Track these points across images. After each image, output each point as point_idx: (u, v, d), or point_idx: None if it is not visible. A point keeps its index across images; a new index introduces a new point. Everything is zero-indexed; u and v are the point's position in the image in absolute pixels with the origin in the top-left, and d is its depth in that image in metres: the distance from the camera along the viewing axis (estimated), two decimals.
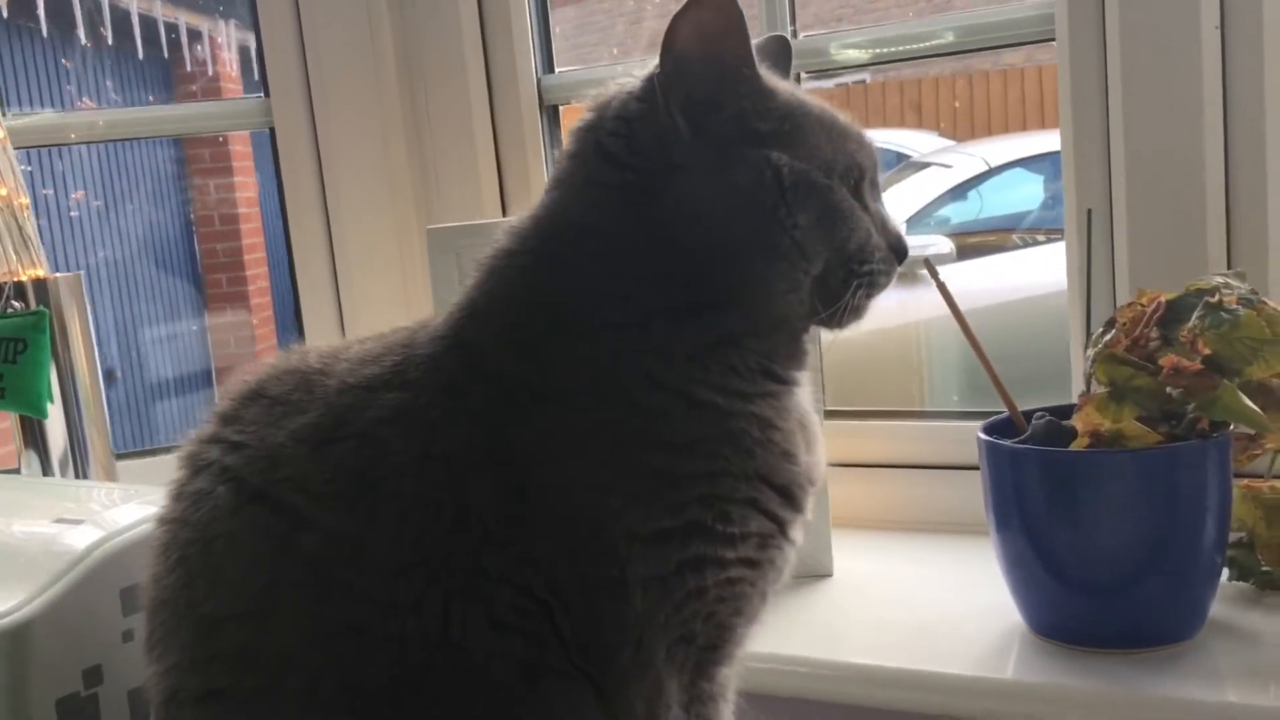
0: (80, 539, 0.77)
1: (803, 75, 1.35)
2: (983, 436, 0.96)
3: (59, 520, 0.79)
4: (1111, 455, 0.90)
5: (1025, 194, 4.15)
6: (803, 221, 0.71)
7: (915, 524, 1.25)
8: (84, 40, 4.80)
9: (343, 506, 0.68)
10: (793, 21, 1.31)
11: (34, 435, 1.21)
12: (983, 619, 1.02)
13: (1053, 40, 1.15)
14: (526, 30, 1.43)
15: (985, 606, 1.03)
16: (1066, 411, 0.97)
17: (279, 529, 0.68)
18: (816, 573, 1.15)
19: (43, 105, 4.50)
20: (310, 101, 1.44)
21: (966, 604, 1.05)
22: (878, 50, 1.30)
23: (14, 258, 1.18)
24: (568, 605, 0.68)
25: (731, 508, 0.70)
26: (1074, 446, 0.92)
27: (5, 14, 4.60)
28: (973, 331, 0.99)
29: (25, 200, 1.16)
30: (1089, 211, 1.03)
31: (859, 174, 0.74)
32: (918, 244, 3.32)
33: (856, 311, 0.75)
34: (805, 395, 0.78)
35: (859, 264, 0.72)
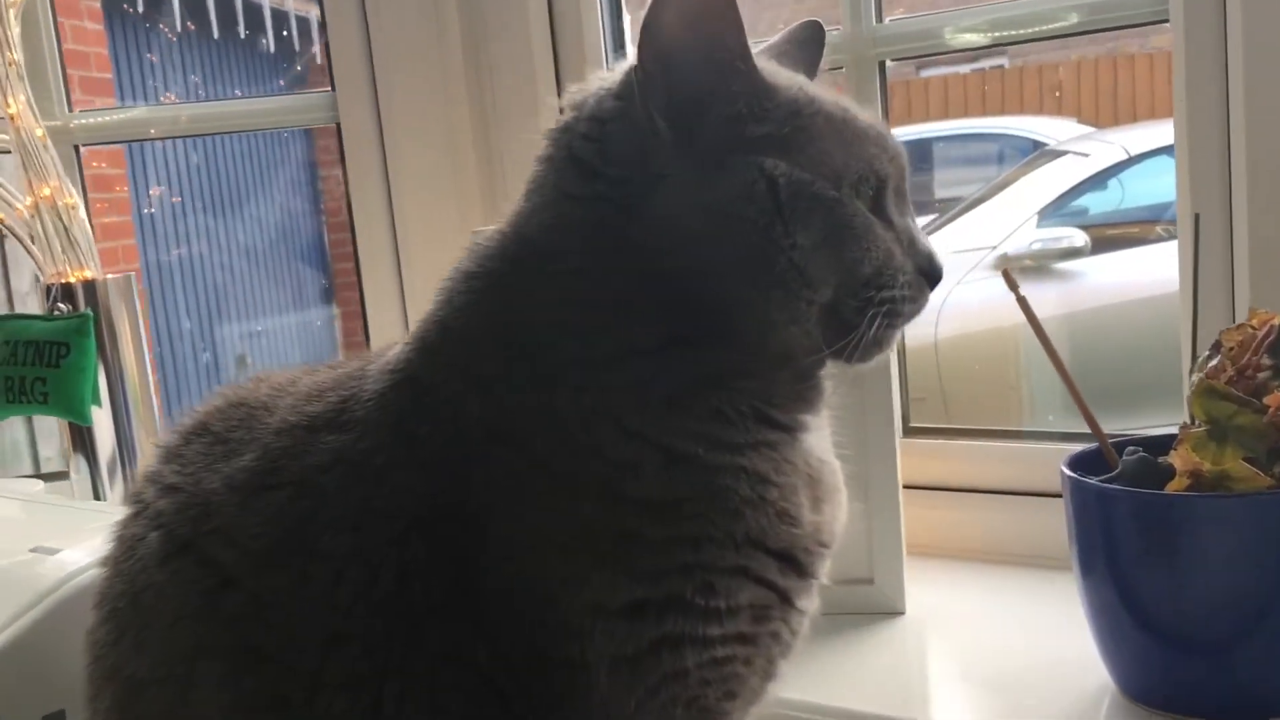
0: (52, 571, 0.73)
1: (888, 63, 1.24)
2: (1067, 472, 0.85)
3: (36, 549, 0.75)
4: (1214, 500, 0.78)
5: (1170, 183, 3.91)
6: (803, 241, 0.61)
7: (999, 555, 1.14)
8: (215, 34, 4.92)
9: (271, 565, 0.61)
10: (879, 5, 1.21)
11: (82, 439, 1.19)
12: (1068, 674, 0.91)
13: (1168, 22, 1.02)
14: (597, 22, 1.35)
15: (1072, 658, 0.92)
16: (1165, 443, 0.85)
17: (205, 586, 0.62)
18: (887, 610, 1.05)
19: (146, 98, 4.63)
20: (376, 97, 1.39)
21: (1051, 654, 0.94)
22: (997, 33, 1.19)
23: (61, 259, 1.16)
24: (522, 689, 0.59)
25: (717, 578, 0.60)
26: (1172, 487, 0.81)
27: (141, 7, 4.74)
28: (1056, 352, 0.88)
29: (72, 200, 1.14)
30: (1197, 216, 0.91)
31: (878, 183, 0.64)
32: (1050, 236, 3.14)
33: (878, 344, 0.64)
34: (819, 441, 0.68)
35: (876, 290, 0.62)
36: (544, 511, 0.60)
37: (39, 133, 1.12)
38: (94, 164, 4.06)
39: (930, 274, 0.65)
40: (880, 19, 1.21)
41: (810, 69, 0.71)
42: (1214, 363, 0.80)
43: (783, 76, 0.65)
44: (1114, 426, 0.90)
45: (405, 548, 0.60)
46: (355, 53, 1.39)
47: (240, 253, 5.12)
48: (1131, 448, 0.85)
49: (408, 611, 0.59)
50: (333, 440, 0.62)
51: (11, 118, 1.11)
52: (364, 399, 0.64)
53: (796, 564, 0.63)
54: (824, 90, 0.67)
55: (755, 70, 0.63)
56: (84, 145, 1.41)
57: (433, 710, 0.59)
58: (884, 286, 0.63)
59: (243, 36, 5.16)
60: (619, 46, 1.38)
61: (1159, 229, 3.49)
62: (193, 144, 4.74)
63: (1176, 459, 0.80)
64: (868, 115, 0.67)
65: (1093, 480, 0.84)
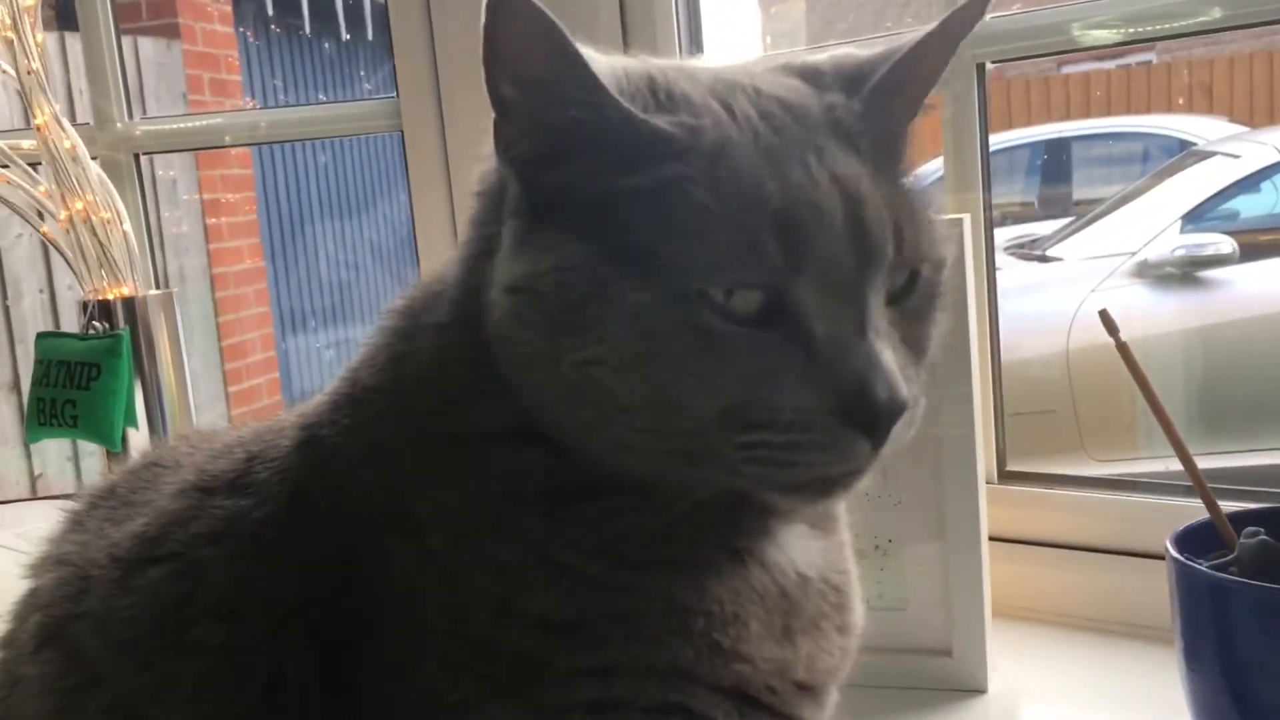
0: None
1: (987, 65, 1.11)
2: (1174, 554, 0.72)
3: None
4: None
5: None
6: (596, 355, 0.47)
7: (1101, 624, 1.00)
8: (343, 34, 4.97)
9: (137, 661, 0.53)
10: None
11: (119, 462, 1.14)
12: None
13: None
14: (671, 26, 1.25)
15: None
16: None
17: (68, 685, 0.54)
18: (967, 687, 0.92)
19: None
20: (440, 105, 1.32)
21: None
22: (1132, 29, 1.06)
23: (99, 275, 1.11)
24: None
25: (639, 718, 0.50)
26: None
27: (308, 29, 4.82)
28: (1165, 412, 0.75)
29: (108, 215, 1.09)
30: None
31: (773, 280, 0.47)
32: (1195, 242, 2.95)
33: (797, 492, 0.49)
34: (811, 557, 0.56)
35: (737, 430, 0.47)
36: (436, 620, 0.51)
37: (67, 144, 1.07)
38: (223, 166, 4.15)
39: (857, 415, 0.46)
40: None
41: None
42: None
43: (691, 103, 0.50)
44: (1251, 445, 0.77)
45: (280, 643, 0.52)
46: (420, 59, 1.32)
47: (366, 250, 5.19)
48: (1252, 528, 0.72)
49: None
50: (227, 506, 0.55)
51: (39, 128, 1.07)
52: (269, 458, 0.56)
53: (758, 704, 0.52)
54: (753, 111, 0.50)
55: (606, 105, 0.48)
56: (146, 154, 1.37)
57: None
58: (753, 426, 0.47)
59: (370, 39, 5.23)
60: (697, 53, 1.28)
61: None
62: (321, 145, 4.83)
63: None
64: (843, 167, 0.48)
65: (1203, 565, 0.71)
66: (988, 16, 1.09)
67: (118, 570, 0.55)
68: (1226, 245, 3.27)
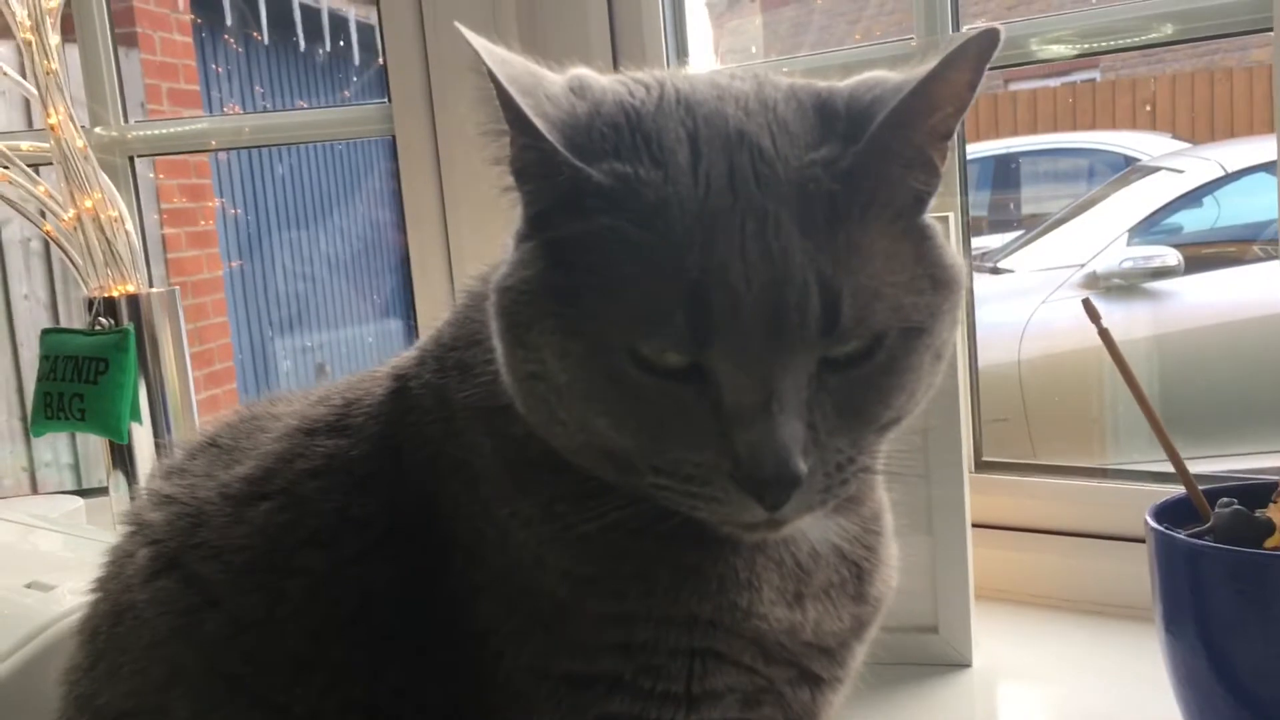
0: (41, 611, 0.69)
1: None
2: (1152, 524, 0.78)
3: (32, 585, 0.71)
4: None
5: (1269, 202, 3.78)
6: (538, 371, 0.51)
7: (1077, 603, 1.05)
8: (301, 46, 4.97)
9: (251, 583, 0.58)
10: (955, 14, 1.14)
11: (122, 456, 1.16)
12: None
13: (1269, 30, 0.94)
14: (659, 33, 1.29)
15: None
16: (1262, 492, 0.77)
17: (185, 606, 0.59)
18: (952, 661, 0.97)
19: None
20: (432, 109, 1.35)
21: (1132, 717, 0.86)
22: (1086, 44, 1.12)
23: (104, 272, 1.13)
24: None
25: (663, 661, 0.54)
26: (1271, 544, 0.73)
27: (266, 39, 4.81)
28: (1143, 391, 0.80)
29: (115, 213, 1.11)
30: None
31: (684, 341, 0.48)
32: (1141, 255, 3.02)
33: (721, 528, 0.52)
34: (823, 532, 0.59)
35: (649, 472, 0.50)
36: (493, 559, 0.56)
37: (79, 143, 1.09)
38: (183, 176, 4.13)
39: (745, 484, 0.48)
40: (958, 27, 1.14)
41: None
42: None
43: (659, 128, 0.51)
44: (1203, 453, 0.82)
45: (371, 567, 0.57)
46: (412, 64, 1.35)
47: (322, 262, 5.17)
48: (1225, 498, 0.77)
49: (369, 640, 0.56)
50: (328, 445, 0.60)
51: (52, 128, 1.09)
52: (365, 404, 0.61)
53: (774, 657, 0.57)
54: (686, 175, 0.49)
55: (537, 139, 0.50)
56: (139, 157, 1.39)
57: None
58: (659, 471, 0.50)
59: (328, 49, 5.23)
60: (682, 59, 1.33)
61: (1256, 248, 3.36)
62: (277, 154, 4.82)
63: (1276, 512, 0.72)
64: (783, 241, 0.48)
65: (1181, 534, 0.76)
66: (964, 29, 1.15)
67: (229, 506, 0.60)
68: (1172, 258, 3.35)
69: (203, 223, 4.24)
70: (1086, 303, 0.80)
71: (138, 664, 0.59)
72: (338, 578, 0.57)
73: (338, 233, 5.30)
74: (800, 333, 0.48)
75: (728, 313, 0.47)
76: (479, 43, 0.51)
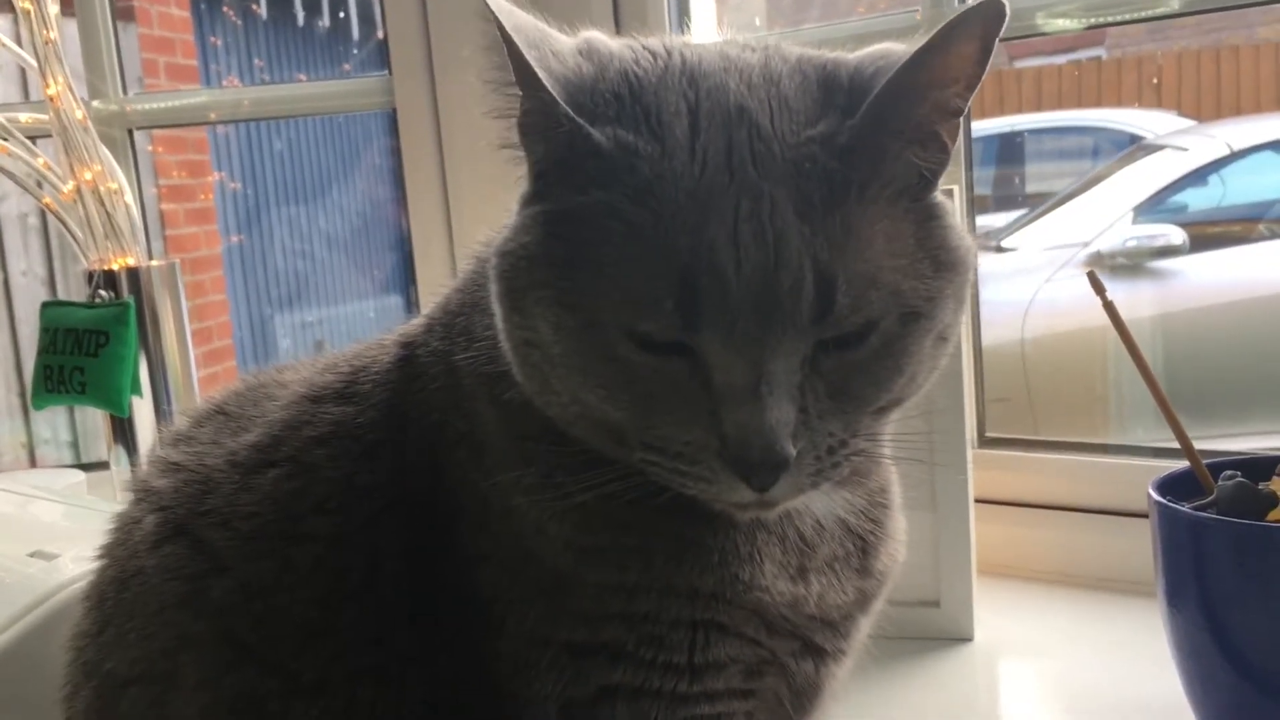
0: (44, 580, 0.69)
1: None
2: (1155, 497, 0.77)
3: (35, 554, 0.71)
4: None
5: (1275, 180, 3.78)
6: (533, 339, 0.51)
7: (1079, 579, 1.05)
8: (300, 20, 4.95)
9: (259, 549, 0.58)
10: None
11: (122, 429, 1.16)
12: (1151, 715, 0.83)
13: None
14: (663, 13, 1.28)
15: (1155, 697, 0.84)
16: (1266, 465, 0.77)
17: (193, 572, 0.59)
18: (954, 635, 0.97)
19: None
20: (433, 81, 1.35)
21: (1132, 692, 0.87)
22: (1093, 19, 1.11)
23: (104, 245, 1.13)
24: (480, 711, 0.56)
25: (665, 631, 0.54)
26: (1273, 516, 0.73)
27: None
28: (1147, 363, 0.80)
29: (115, 185, 1.10)
30: None
31: (673, 323, 0.48)
32: (1145, 233, 3.01)
33: (711, 506, 0.52)
34: (829, 507, 0.59)
35: (638, 447, 0.51)
36: (497, 526, 0.56)
37: (79, 115, 1.09)
38: (180, 151, 4.11)
39: (732, 465, 0.48)
40: None
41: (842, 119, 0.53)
42: None
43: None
44: (1208, 433, 0.82)
45: (379, 533, 0.57)
46: (413, 36, 1.34)
47: (321, 238, 5.16)
48: (1229, 471, 0.77)
49: (376, 607, 0.57)
50: (335, 412, 0.60)
51: (52, 99, 1.08)
52: (373, 371, 0.62)
53: (777, 629, 0.57)
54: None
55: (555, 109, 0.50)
56: (138, 129, 1.38)
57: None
58: (649, 447, 0.50)
59: (327, 23, 5.20)
60: (686, 31, 1.32)
61: (1262, 227, 3.35)
62: (276, 130, 4.80)
63: (1279, 485, 0.72)
64: (778, 222, 0.47)
65: (1184, 507, 0.75)
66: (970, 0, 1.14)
67: (238, 474, 0.60)
68: (1177, 236, 3.33)
69: (201, 198, 4.23)
70: (1091, 275, 0.80)
71: (145, 629, 0.59)
72: (345, 545, 0.57)
73: (337, 209, 5.29)
74: (793, 318, 0.48)
75: (718, 297, 0.47)
76: None
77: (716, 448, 0.48)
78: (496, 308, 0.53)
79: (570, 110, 0.49)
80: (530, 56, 0.49)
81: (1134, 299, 3.22)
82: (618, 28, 1.29)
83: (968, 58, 0.50)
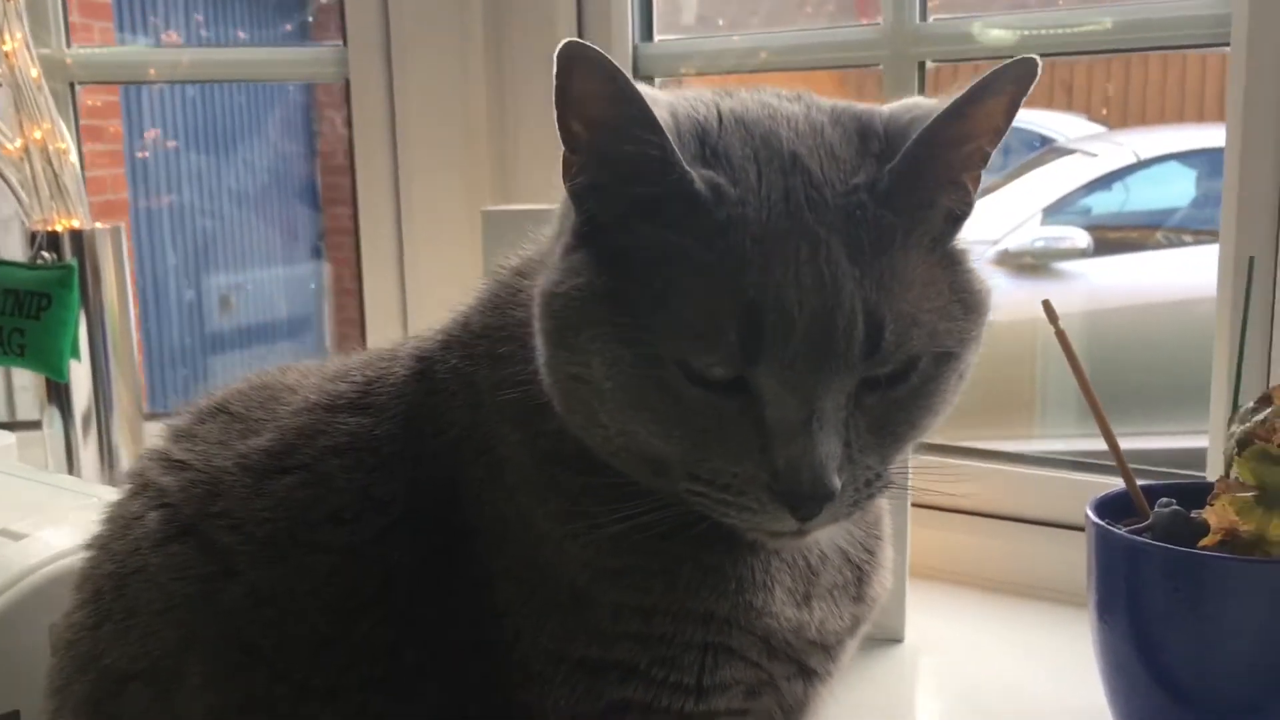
0: (14, 560, 0.68)
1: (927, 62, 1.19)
2: (1093, 518, 0.81)
3: (2, 532, 0.70)
4: (1252, 565, 0.74)
5: (1176, 190, 3.90)
6: (582, 374, 0.52)
7: (1008, 586, 1.10)
8: None
9: (272, 556, 0.58)
10: (924, 4, 1.16)
11: (57, 391, 1.14)
12: None
13: (1226, 46, 0.98)
14: (626, 13, 1.29)
15: (1078, 704, 0.88)
16: (1198, 492, 0.81)
17: (203, 573, 0.59)
18: (884, 636, 1.01)
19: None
20: (389, 56, 1.34)
21: (1056, 697, 0.91)
22: (1027, 33, 1.14)
23: (49, 205, 1.10)
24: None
25: (677, 653, 0.57)
26: (1204, 544, 0.77)
27: None
28: (1093, 392, 0.84)
29: (64, 145, 1.08)
30: (1251, 259, 0.86)
31: (733, 359, 0.50)
32: (1053, 234, 3.08)
33: (749, 535, 0.54)
34: (832, 537, 0.61)
35: (687, 479, 0.52)
36: (514, 544, 0.57)
37: (34, 73, 1.06)
38: (88, 101, 3.97)
39: (782, 496, 0.50)
40: (925, 17, 1.16)
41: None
42: (1259, 417, 0.76)
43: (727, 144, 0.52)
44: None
45: (392, 546, 0.58)
46: (371, 8, 1.33)
47: (231, 197, 5.03)
48: (1165, 499, 0.81)
49: (390, 618, 0.57)
50: (351, 423, 0.61)
51: (6, 55, 1.05)
52: (388, 383, 0.62)
53: (778, 653, 0.59)
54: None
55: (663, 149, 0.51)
56: (80, 84, 1.34)
57: None
58: (696, 478, 0.52)
59: None
60: (646, 18, 1.32)
61: (1160, 235, 3.46)
62: (180, 88, 4.64)
63: (1212, 515, 0.76)
64: (834, 266, 0.49)
65: (1122, 530, 0.80)
66: (930, 19, 1.17)
67: (249, 478, 0.60)
68: (1082, 239, 3.44)
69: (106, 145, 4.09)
70: (1046, 304, 0.83)
71: (149, 627, 0.59)
72: (360, 556, 0.58)
73: (243, 167, 5.15)
74: (845, 356, 0.50)
75: (780, 334, 0.49)
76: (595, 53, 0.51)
77: (765, 480, 0.50)
78: (541, 343, 0.54)
79: (681, 158, 0.50)
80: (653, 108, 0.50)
81: (1038, 298, 3.30)
82: (580, 31, 1.29)
83: (999, 110, 0.53)
